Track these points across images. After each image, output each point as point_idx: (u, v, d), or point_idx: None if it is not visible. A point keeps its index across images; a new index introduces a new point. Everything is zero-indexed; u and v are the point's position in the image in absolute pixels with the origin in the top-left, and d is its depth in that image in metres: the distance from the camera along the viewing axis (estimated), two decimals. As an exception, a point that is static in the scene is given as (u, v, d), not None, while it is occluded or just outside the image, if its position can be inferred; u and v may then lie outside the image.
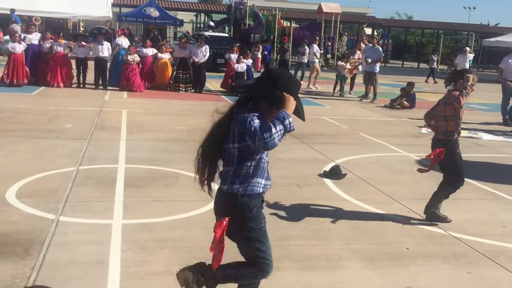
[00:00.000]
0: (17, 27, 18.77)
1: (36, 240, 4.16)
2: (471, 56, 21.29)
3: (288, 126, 2.62)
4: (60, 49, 13.94)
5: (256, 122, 2.63)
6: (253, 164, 2.79)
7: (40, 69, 14.26)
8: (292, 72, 20.95)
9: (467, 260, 4.32)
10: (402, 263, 4.20)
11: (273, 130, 2.55)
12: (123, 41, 15.65)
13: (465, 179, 5.34)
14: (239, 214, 2.85)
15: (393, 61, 45.67)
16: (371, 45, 15.99)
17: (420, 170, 5.62)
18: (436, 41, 44.00)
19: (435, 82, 24.30)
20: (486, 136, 10.51)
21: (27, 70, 13.58)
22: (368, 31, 44.83)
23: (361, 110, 13.83)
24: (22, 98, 11.89)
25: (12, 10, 22.15)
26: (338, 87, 17.27)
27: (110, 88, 14.76)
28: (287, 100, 2.70)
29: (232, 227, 2.86)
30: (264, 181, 2.88)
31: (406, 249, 4.49)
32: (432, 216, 5.18)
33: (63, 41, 14.09)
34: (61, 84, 14.15)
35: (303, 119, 2.86)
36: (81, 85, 14.53)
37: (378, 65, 15.63)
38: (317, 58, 19.20)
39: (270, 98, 2.73)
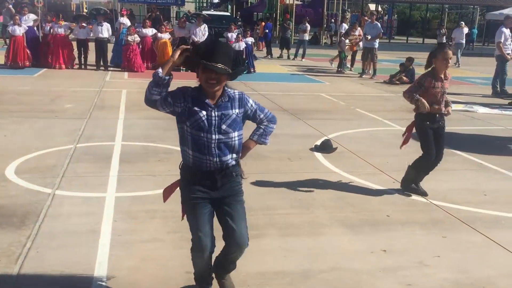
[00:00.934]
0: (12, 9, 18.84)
1: (32, 212, 4.39)
2: (466, 29, 21.19)
3: (153, 76, 2.73)
4: (60, 31, 14.08)
5: None
6: (179, 132, 2.88)
7: (41, 51, 14.46)
8: (294, 50, 21.02)
9: (444, 226, 4.51)
10: (381, 228, 4.40)
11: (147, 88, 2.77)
12: (126, 21, 15.82)
13: (454, 151, 5.39)
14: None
15: (398, 37, 45.35)
16: (370, 21, 15.95)
17: (401, 145, 5.65)
18: (441, 15, 43.52)
19: None
20: (482, 109, 10.60)
21: (28, 52, 13.74)
22: (373, 7, 44.41)
23: (360, 86, 13.91)
24: (24, 80, 12.09)
25: None
26: (336, 64, 17.34)
27: (112, 68, 14.94)
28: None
29: None
30: (191, 152, 2.80)
31: (386, 217, 4.68)
32: (409, 190, 5.30)
33: (63, 23, 14.19)
34: (63, 66, 14.33)
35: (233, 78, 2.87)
36: (83, 66, 14.70)
37: (377, 41, 15.64)
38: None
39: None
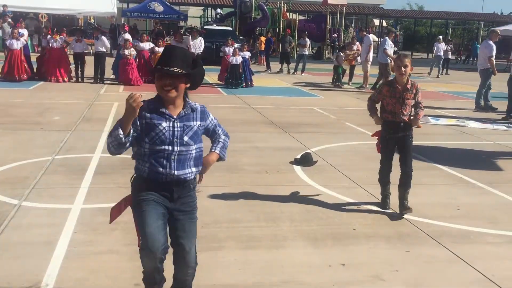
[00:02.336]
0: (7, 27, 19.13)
1: (-6, 222, 4.37)
2: (443, 44, 22.75)
3: (116, 138, 2.66)
4: (55, 45, 14.23)
5: None
6: (134, 149, 2.84)
7: (39, 65, 14.62)
8: (294, 64, 21.07)
9: (409, 240, 4.43)
10: (344, 242, 4.33)
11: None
12: (129, 37, 15.98)
13: (435, 164, 5.34)
14: None
15: (404, 52, 45.35)
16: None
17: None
18: (446, 31, 43.51)
19: (447, 73, 24.06)
20: (473, 124, 10.50)
21: (26, 66, 13.88)
22: (377, 22, 44.56)
23: (355, 100, 13.87)
24: (18, 92, 12.20)
25: (5, 6, 22.53)
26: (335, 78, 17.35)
27: (109, 81, 15.05)
28: None
29: None
30: (148, 165, 2.76)
31: (353, 230, 4.61)
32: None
33: (58, 37, 14.35)
34: (60, 79, 14.45)
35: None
36: (79, 79, 14.82)
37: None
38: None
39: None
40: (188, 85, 2.79)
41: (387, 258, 4.03)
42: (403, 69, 4.80)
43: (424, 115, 10.85)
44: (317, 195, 5.58)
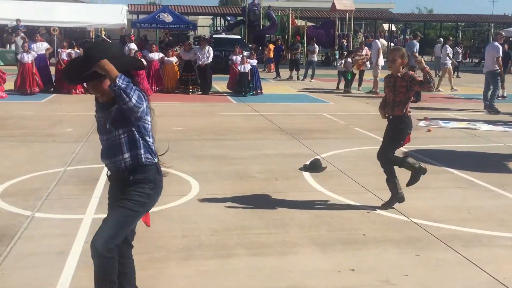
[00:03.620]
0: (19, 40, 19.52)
1: (8, 234, 4.44)
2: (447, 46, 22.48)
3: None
4: (64, 57, 14.49)
5: None
6: None
7: (57, 78, 14.88)
8: (303, 71, 21.13)
9: (420, 244, 4.41)
10: (353, 247, 4.33)
11: None
12: (134, 46, 16.20)
13: (448, 169, 5.41)
14: None
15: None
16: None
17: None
18: (456, 33, 43.33)
19: (458, 76, 23.93)
20: (484, 127, 10.43)
21: (37, 79, 14.09)
22: (386, 26, 44.51)
23: (365, 105, 13.85)
24: (30, 105, 12.38)
25: (19, 21, 22.95)
26: (341, 84, 17.42)
27: (120, 93, 15.19)
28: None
29: None
30: (103, 160, 2.98)
31: (362, 235, 4.61)
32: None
33: (67, 50, 14.57)
34: (73, 91, 14.61)
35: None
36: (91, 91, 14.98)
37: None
38: (450, 59, 18.10)
39: None
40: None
41: (397, 263, 4.03)
42: (391, 62, 5.14)
43: (435, 119, 10.94)
44: (327, 201, 5.58)
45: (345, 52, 17.83)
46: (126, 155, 2.84)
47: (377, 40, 17.05)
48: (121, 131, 2.82)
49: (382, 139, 5.42)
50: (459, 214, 5.22)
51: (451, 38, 16.90)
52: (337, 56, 17.84)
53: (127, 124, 2.82)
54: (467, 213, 5.25)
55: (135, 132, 2.85)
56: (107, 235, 2.79)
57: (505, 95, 15.61)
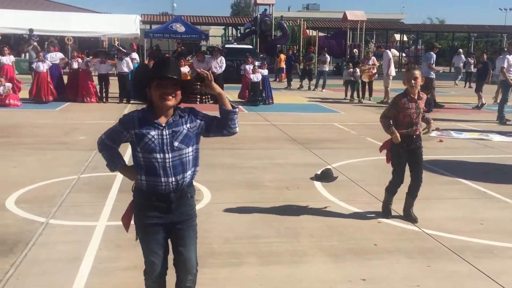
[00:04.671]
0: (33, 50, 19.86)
1: (22, 240, 4.51)
2: (463, 56, 24.04)
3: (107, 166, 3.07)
4: (75, 66, 14.68)
5: None
6: (132, 159, 2.89)
7: (68, 86, 15.09)
8: (314, 80, 21.16)
9: (431, 255, 4.40)
10: (364, 257, 4.33)
11: None
12: (136, 56, 16.44)
13: (458, 179, 5.36)
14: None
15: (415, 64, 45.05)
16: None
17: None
18: (469, 44, 43.15)
19: (470, 86, 23.82)
20: (497, 138, 10.37)
21: (51, 87, 14.28)
22: (398, 37, 44.47)
23: (376, 115, 13.76)
24: (45, 113, 12.54)
25: (31, 30, 23.33)
26: (349, 93, 17.46)
27: (133, 101, 15.35)
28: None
29: None
30: (145, 177, 2.81)
31: (373, 245, 4.60)
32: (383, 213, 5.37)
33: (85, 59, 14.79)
34: (88, 99, 14.78)
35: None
36: (104, 100, 15.17)
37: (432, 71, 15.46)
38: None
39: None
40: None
41: (408, 273, 4.02)
42: (413, 81, 4.95)
43: (447, 129, 10.91)
44: (338, 210, 5.59)
45: (350, 63, 17.81)
46: (189, 172, 2.86)
47: (388, 51, 17.03)
48: (191, 148, 2.84)
49: (415, 163, 5.17)
50: (471, 225, 5.20)
51: (437, 46, 16.55)
52: (344, 66, 17.88)
53: (197, 141, 2.89)
54: (479, 224, 5.23)
55: (198, 150, 2.92)
56: (195, 258, 2.99)
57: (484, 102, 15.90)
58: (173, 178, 2.80)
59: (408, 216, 5.25)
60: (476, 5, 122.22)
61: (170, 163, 2.78)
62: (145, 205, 2.88)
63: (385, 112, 5.22)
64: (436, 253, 4.44)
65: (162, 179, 2.79)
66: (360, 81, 17.02)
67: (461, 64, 23.97)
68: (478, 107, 15.73)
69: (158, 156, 2.76)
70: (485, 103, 15.83)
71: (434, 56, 15.10)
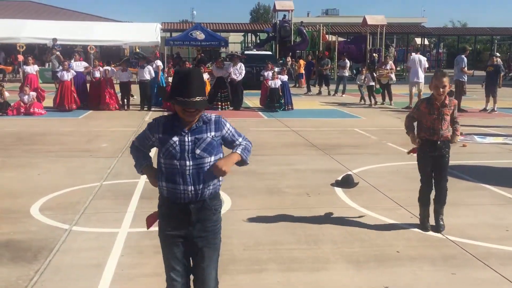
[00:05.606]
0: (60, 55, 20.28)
1: (46, 247, 4.58)
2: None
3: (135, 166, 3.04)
4: (97, 75, 14.92)
5: None
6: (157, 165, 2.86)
7: (90, 95, 15.33)
8: (334, 86, 21.10)
9: (455, 262, 4.33)
10: (387, 264, 4.28)
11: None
12: (161, 63, 16.59)
13: (483, 184, 5.24)
14: None
15: (448, 70, 44.51)
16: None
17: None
18: (491, 47, 42.51)
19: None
20: (522, 142, 10.17)
21: (75, 96, 14.53)
22: (419, 41, 44.05)
23: (396, 120, 13.69)
24: (68, 121, 12.75)
25: (55, 40, 23.78)
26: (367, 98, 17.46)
27: (154, 108, 15.51)
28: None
29: None
30: (165, 184, 2.77)
31: (396, 252, 4.55)
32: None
33: (103, 67, 15.05)
34: (111, 107, 15.00)
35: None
36: (126, 107, 15.36)
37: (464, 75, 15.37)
38: None
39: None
40: None
41: (432, 281, 3.96)
42: (441, 89, 4.83)
43: (470, 134, 10.74)
44: (359, 216, 5.54)
45: (363, 69, 17.79)
46: (211, 183, 2.78)
47: (415, 55, 16.80)
48: (213, 158, 2.77)
49: (438, 170, 5.06)
50: (496, 231, 5.10)
51: (468, 49, 16.41)
52: (360, 70, 17.92)
53: (220, 151, 2.83)
54: (505, 231, 5.12)
55: None
56: (215, 278, 2.91)
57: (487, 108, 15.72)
58: (192, 187, 2.72)
59: (435, 226, 5.09)
60: (499, 7, 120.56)
61: (190, 171, 2.71)
62: (167, 214, 2.84)
63: (410, 113, 5.21)
64: (461, 260, 4.37)
65: (181, 187, 2.72)
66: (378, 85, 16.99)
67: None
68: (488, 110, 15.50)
69: (178, 163, 2.70)
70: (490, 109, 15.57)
71: (465, 59, 14.94)
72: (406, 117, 5.23)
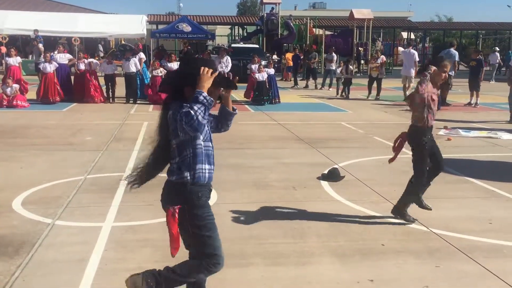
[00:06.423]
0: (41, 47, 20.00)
1: (29, 241, 4.51)
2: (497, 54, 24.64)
3: (205, 100, 2.75)
4: (82, 67, 14.73)
5: (182, 113, 2.73)
6: (191, 152, 2.91)
7: (74, 87, 15.14)
8: (320, 79, 21.11)
9: (439, 255, 4.35)
10: (372, 258, 4.28)
11: (191, 112, 2.69)
12: (144, 55, 16.50)
13: (467, 177, 5.28)
14: (189, 203, 2.97)
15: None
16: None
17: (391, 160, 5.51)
18: (477, 42, 42.83)
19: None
20: (506, 136, 10.26)
21: (58, 88, 14.33)
22: (405, 35, 44.22)
23: (384, 114, 13.76)
24: (52, 114, 12.57)
25: (36, 31, 23.48)
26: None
27: (140, 101, 15.37)
28: (201, 78, 2.82)
29: (181, 217, 2.99)
30: (207, 166, 3.00)
31: (381, 246, 4.56)
32: (401, 215, 5.18)
33: (88, 60, 14.86)
34: (96, 100, 14.82)
35: (234, 87, 3.17)
36: (111, 100, 15.20)
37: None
38: None
39: (189, 81, 2.87)
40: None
41: (417, 274, 3.98)
42: (443, 74, 4.92)
43: (455, 128, 10.82)
44: (345, 210, 5.55)
45: (342, 62, 18.09)
46: None
47: (412, 50, 16.95)
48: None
49: (435, 151, 5.14)
50: (480, 224, 5.14)
51: (455, 44, 16.62)
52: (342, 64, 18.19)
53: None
54: (488, 224, 5.17)
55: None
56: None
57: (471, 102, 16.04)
58: (214, 166, 3.07)
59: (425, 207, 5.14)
60: (484, 2, 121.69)
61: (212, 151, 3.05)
62: (208, 197, 3.07)
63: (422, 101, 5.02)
64: (445, 253, 4.39)
65: (213, 167, 3.06)
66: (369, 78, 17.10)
67: (497, 62, 24.80)
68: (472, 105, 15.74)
69: (211, 144, 3.02)
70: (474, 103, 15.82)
71: (457, 53, 15.16)
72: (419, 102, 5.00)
